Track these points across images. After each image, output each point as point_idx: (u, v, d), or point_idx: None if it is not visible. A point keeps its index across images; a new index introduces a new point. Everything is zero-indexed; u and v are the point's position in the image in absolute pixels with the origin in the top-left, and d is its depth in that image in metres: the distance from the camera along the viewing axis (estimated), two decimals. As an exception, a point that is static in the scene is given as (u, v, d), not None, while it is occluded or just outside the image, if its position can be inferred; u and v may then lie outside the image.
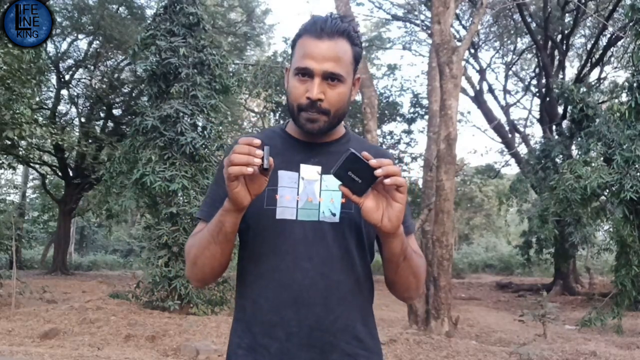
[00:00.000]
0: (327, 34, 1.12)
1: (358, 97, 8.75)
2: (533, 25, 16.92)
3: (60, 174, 18.45)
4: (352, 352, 1.14)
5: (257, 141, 0.98)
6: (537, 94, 19.26)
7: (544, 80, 17.22)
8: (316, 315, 1.11)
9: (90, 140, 15.35)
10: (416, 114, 20.59)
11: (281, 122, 20.69)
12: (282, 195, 1.15)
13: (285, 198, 1.15)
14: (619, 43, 16.15)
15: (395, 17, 19.80)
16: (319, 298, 1.11)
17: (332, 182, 1.11)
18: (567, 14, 17.06)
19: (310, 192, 1.16)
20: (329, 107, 1.14)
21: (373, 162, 0.97)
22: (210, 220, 1.11)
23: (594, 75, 18.65)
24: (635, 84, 8.59)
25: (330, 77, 1.12)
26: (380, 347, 1.23)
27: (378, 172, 0.96)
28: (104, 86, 17.65)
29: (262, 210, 1.15)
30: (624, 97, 9.36)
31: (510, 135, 18.86)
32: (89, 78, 17.92)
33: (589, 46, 17.99)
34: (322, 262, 1.12)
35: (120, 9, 16.12)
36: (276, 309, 1.12)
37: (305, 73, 1.13)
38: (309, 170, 1.18)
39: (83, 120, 18.04)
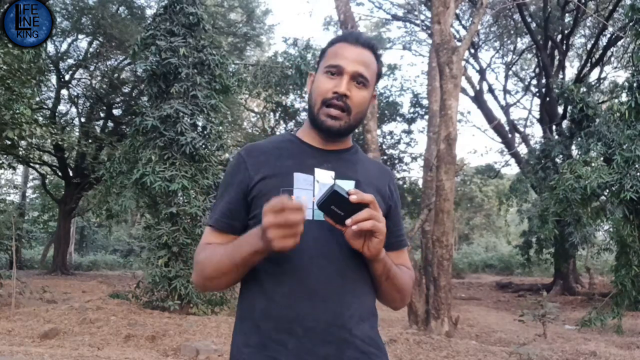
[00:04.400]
0: (361, 43, 1.24)
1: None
2: (533, 25, 16.92)
3: (60, 174, 18.46)
4: (366, 350, 1.16)
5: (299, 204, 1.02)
6: (537, 94, 19.26)
7: (544, 80, 17.21)
8: (332, 311, 1.13)
9: (90, 140, 15.33)
10: (416, 114, 20.59)
11: (281, 122, 20.70)
12: (298, 197, 1.17)
13: (301, 199, 1.17)
14: (619, 43, 16.17)
15: (395, 17, 19.82)
16: (335, 295, 1.14)
17: (345, 186, 1.14)
18: (567, 14, 17.05)
19: None
20: (352, 107, 1.20)
21: (353, 198, 1.04)
22: (233, 251, 1.13)
23: (594, 75, 18.67)
24: (635, 84, 8.59)
25: (358, 80, 1.21)
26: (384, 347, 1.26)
27: (353, 198, 1.04)
28: (104, 86, 17.66)
29: None
30: (624, 97, 9.33)
31: (510, 135, 18.85)
32: (89, 78, 17.93)
33: (589, 46, 17.99)
34: (337, 260, 1.16)
35: (120, 9, 16.12)
36: (292, 304, 1.13)
37: (335, 71, 1.21)
38: (324, 174, 1.22)
39: (83, 120, 18.06)
